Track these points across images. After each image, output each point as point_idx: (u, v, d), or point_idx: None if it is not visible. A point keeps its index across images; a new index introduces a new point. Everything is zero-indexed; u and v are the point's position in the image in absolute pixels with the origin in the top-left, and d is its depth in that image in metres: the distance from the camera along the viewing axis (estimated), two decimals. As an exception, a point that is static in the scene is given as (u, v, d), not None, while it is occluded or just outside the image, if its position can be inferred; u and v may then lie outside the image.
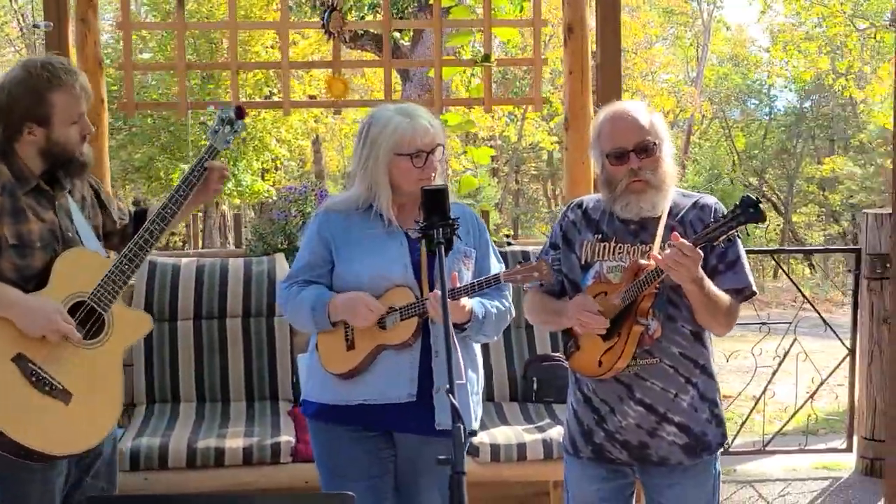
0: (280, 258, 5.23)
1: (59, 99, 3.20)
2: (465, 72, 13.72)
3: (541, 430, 4.65)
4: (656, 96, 25.12)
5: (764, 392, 6.54)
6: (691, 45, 31.54)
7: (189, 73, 17.99)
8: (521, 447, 4.50)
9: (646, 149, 3.20)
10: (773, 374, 6.50)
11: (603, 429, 3.30)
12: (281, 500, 2.99)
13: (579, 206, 3.44)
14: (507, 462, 4.50)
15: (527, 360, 5.10)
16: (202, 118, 18.48)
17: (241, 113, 3.49)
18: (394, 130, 3.42)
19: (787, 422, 6.73)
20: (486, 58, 5.72)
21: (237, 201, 21.23)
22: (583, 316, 3.19)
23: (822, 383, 6.61)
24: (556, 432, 4.56)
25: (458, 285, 3.37)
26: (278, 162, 22.28)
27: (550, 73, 27.41)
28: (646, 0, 27.45)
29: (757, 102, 33.27)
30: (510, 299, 3.58)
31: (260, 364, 5.03)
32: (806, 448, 6.55)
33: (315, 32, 18.27)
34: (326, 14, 5.38)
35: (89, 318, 3.24)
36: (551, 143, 28.36)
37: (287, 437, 4.50)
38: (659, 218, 3.23)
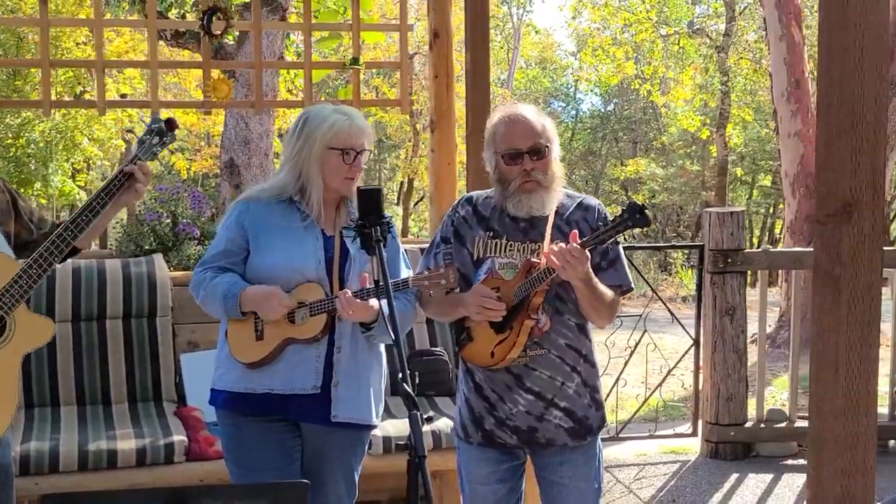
0: (158, 258, 5.21)
1: None
2: (288, 73, 13.68)
3: (428, 421, 4.79)
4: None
5: (616, 382, 6.88)
6: (501, 47, 32.25)
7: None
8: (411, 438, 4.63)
9: (538, 151, 3.39)
10: (625, 364, 6.84)
11: (493, 416, 3.49)
12: (238, 489, 3.03)
13: (469, 201, 3.60)
14: (399, 453, 4.61)
15: (408, 356, 5.23)
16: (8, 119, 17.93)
17: (171, 125, 3.48)
18: (331, 125, 3.53)
19: (639, 409, 7.10)
20: (355, 60, 5.84)
21: (44, 202, 20.51)
22: (483, 303, 3.35)
23: (668, 373, 7.01)
24: (443, 423, 4.72)
25: (368, 286, 3.47)
26: (91, 162, 21.65)
27: (363, 75, 27.61)
28: (455, 3, 27.92)
29: (564, 105, 34.36)
30: (414, 302, 3.70)
31: (142, 365, 5.00)
32: (655, 434, 6.94)
33: (127, 30, 18.00)
34: (207, 16, 5.37)
35: None
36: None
37: (180, 437, 4.51)
38: (547, 217, 3.43)
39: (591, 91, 32.85)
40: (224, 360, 3.66)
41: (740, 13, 22.46)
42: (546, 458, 3.54)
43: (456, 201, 3.67)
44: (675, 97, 22.68)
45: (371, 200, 3.11)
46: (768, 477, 6.28)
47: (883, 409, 6.81)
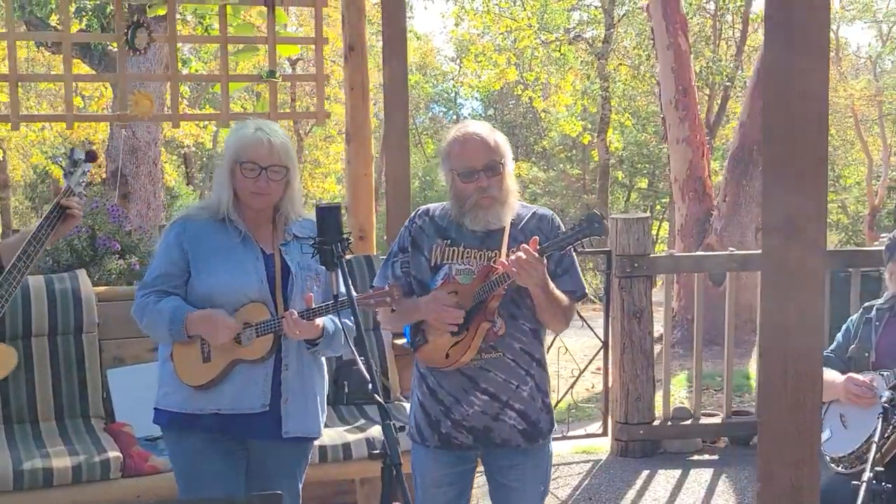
0: (82, 274, 5.15)
1: None
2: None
3: (361, 429, 4.88)
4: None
5: (529, 385, 7.05)
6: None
7: None
8: (346, 447, 4.72)
9: (493, 168, 3.51)
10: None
11: (450, 418, 3.60)
12: (211, 502, 3.08)
13: (426, 213, 3.72)
14: (334, 462, 4.70)
15: (336, 366, 5.30)
16: None
17: (92, 157, 3.74)
18: (238, 138, 3.61)
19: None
20: (272, 73, 5.88)
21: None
22: (441, 310, 3.48)
23: (580, 374, 7.21)
24: (376, 431, 4.81)
25: (313, 305, 3.54)
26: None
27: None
28: (337, 9, 27.89)
29: (445, 110, 34.65)
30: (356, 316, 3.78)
31: (69, 382, 4.94)
32: (568, 435, 7.14)
33: None
34: (131, 30, 5.34)
35: None
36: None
37: (115, 454, 4.49)
38: (503, 227, 3.56)
39: (472, 96, 33.22)
40: (168, 379, 3.68)
41: (619, 20, 23.01)
42: (498, 461, 3.67)
43: (413, 213, 3.78)
44: (557, 103, 23.11)
45: (329, 218, 3.19)
46: (677, 472, 6.53)
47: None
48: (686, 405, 7.35)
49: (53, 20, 12.61)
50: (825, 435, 4.19)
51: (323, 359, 3.86)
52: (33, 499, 4.30)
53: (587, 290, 3.82)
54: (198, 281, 3.62)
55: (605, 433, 7.06)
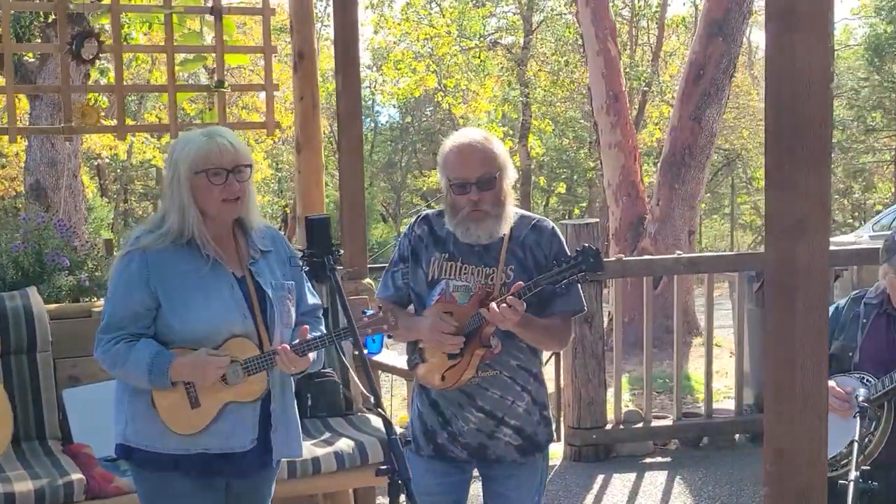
0: (33, 291, 4.98)
1: None
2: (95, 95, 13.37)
3: (328, 443, 4.81)
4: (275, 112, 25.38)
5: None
6: (299, 61, 32.13)
7: None
8: (316, 461, 4.64)
9: (487, 181, 3.44)
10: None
11: (446, 430, 3.58)
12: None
13: (426, 220, 3.66)
14: (303, 477, 4.62)
15: (299, 378, 5.21)
16: None
17: None
18: (192, 148, 3.32)
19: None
20: (220, 83, 5.78)
21: None
22: (440, 338, 3.43)
23: (532, 380, 7.19)
24: (344, 444, 4.75)
25: (308, 336, 3.38)
26: None
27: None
28: (252, 18, 27.58)
29: (362, 118, 34.51)
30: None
31: (24, 403, 4.78)
32: (522, 441, 7.12)
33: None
34: (77, 40, 5.18)
35: None
36: (162, 162, 27.89)
37: (78, 476, 4.34)
38: (502, 239, 3.51)
39: (390, 104, 33.17)
40: (140, 413, 3.39)
41: (537, 27, 23.16)
42: (494, 472, 3.66)
43: (413, 220, 3.73)
44: (477, 109, 23.17)
45: (321, 229, 3.12)
46: (632, 476, 6.56)
47: (729, 404, 7.27)
48: (632, 408, 7.39)
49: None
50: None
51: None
52: (-4, 525, 4.16)
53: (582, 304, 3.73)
54: (173, 320, 3.33)
55: (557, 439, 7.05)
